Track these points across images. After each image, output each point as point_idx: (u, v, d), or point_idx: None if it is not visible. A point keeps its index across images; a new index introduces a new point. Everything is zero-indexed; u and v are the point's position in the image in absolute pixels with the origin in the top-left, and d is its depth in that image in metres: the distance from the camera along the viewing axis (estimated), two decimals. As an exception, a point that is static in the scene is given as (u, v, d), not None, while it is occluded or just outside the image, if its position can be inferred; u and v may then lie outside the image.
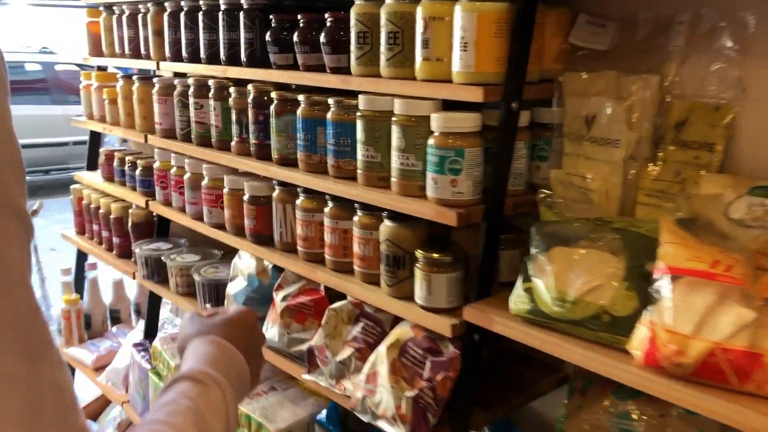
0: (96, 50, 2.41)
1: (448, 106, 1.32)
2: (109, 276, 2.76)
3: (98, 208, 2.45)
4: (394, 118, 1.34)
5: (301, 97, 1.56)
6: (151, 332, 2.37)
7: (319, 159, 1.56)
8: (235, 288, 1.78)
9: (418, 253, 1.32)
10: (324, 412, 1.64)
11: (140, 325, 2.56)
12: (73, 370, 2.78)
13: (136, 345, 2.28)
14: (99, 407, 2.79)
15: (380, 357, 1.37)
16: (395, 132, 1.34)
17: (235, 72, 1.75)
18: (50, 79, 8.68)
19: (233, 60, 1.76)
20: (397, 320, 1.45)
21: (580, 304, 1.10)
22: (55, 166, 8.61)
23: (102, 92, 2.35)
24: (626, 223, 1.14)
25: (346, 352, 1.46)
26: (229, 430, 0.76)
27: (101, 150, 2.49)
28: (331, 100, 1.49)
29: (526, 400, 1.48)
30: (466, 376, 1.30)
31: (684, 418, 1.24)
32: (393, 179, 1.37)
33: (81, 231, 2.66)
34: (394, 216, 1.37)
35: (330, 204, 1.53)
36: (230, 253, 2.05)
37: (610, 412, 1.31)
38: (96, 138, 2.69)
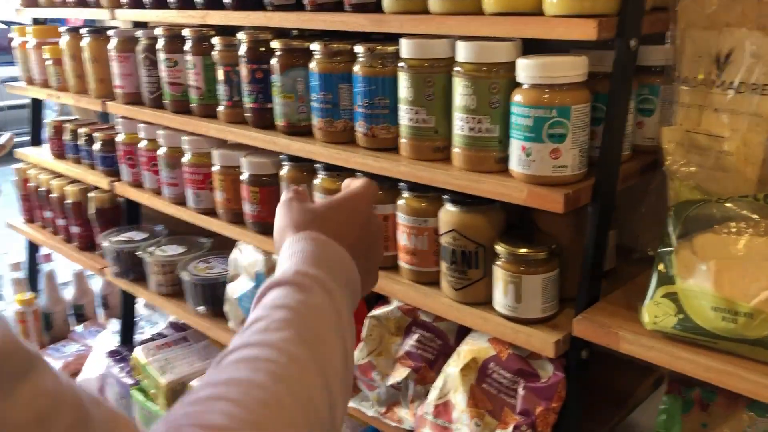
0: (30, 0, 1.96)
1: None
2: (68, 267, 2.37)
3: (49, 191, 2.04)
4: (457, 68, 1.00)
5: (314, 47, 1.19)
6: (127, 337, 2.00)
7: (344, 126, 1.21)
8: (239, 289, 1.43)
9: (500, 248, 1.00)
10: (364, 438, 1.33)
11: (111, 324, 2.19)
12: (35, 379, 2.40)
13: (111, 354, 1.92)
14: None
15: (452, 382, 1.06)
16: (460, 87, 1.00)
17: (218, 17, 1.37)
18: (-25, 39, 7.91)
19: (214, 2, 1.37)
20: (463, 329, 1.13)
21: (759, 316, 0.80)
22: (-12, 134, 7.94)
23: (42, 51, 1.92)
24: (814, 201, 0.84)
25: (400, 374, 1.14)
26: (345, 344, 0.56)
27: (47, 121, 2.06)
28: (359, 48, 1.13)
29: (625, 414, 1.19)
30: (573, 405, 0.99)
31: None
32: (456, 150, 1.03)
33: (30, 219, 2.24)
34: (460, 199, 1.04)
35: (363, 183, 1.19)
36: (217, 238, 1.69)
37: (747, 430, 1.03)
38: (38, 106, 2.25)
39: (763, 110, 0.94)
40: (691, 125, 1.01)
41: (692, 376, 0.84)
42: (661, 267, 0.90)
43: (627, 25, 0.89)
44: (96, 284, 2.40)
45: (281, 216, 0.69)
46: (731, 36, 0.96)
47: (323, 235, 0.64)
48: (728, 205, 0.87)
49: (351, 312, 0.62)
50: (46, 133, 2.07)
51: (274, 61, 1.27)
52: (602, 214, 0.94)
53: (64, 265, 2.42)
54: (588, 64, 0.93)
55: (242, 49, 1.33)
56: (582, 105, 0.91)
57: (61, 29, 1.85)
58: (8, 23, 7.95)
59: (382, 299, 1.24)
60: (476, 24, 0.97)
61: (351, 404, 1.21)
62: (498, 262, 1.01)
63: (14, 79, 2.19)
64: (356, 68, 1.14)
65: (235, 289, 1.44)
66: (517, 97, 0.93)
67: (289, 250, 0.62)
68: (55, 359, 2.19)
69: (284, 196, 0.71)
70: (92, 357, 2.08)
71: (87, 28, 1.74)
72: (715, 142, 0.98)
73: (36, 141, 2.25)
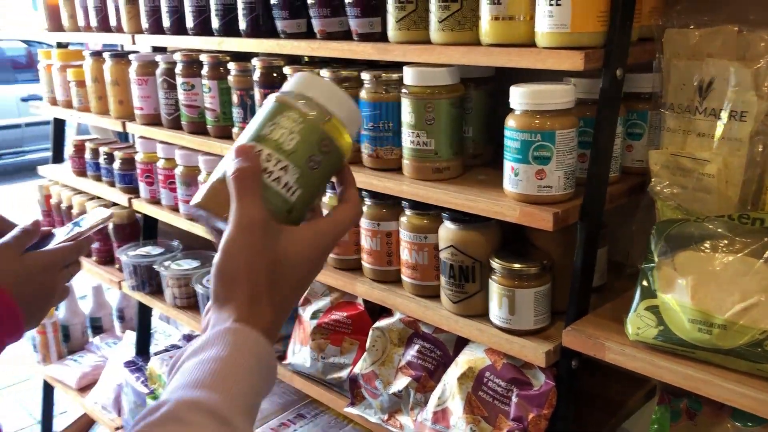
0: (55, 24, 2.06)
1: (506, 75, 1.07)
2: (87, 281, 2.45)
3: (70, 207, 2.13)
4: (403, 90, 1.11)
5: (324, 73, 1.27)
6: (143, 348, 2.08)
7: (350, 147, 1.28)
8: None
9: (495, 263, 1.06)
10: (368, 445, 1.39)
11: (128, 336, 2.27)
12: (52, 390, 2.48)
13: (128, 364, 1.99)
14: (85, 425, 2.51)
15: (450, 390, 1.12)
16: (404, 105, 1.10)
17: (234, 44, 1.45)
18: (-4, 59, 8.11)
19: (230, 29, 1.46)
20: (461, 340, 1.19)
21: (732, 328, 0.86)
22: (7, 150, 8.09)
23: (66, 73, 2.02)
24: (785, 221, 0.90)
25: (401, 382, 1.21)
26: None
27: (71, 140, 2.15)
28: (365, 75, 1.20)
29: (617, 422, 1.24)
30: (563, 411, 1.05)
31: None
32: (405, 161, 1.15)
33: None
34: (458, 217, 1.11)
35: (368, 202, 1.26)
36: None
37: (732, 440, 1.08)
38: (60, 126, 2.35)
39: (742, 135, 1.00)
40: (676, 149, 1.07)
41: (672, 384, 0.90)
42: (644, 282, 0.96)
43: (613, 56, 0.95)
44: (113, 298, 2.48)
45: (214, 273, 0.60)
46: (713, 66, 1.02)
47: (246, 327, 0.56)
48: (706, 224, 0.94)
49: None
50: (68, 151, 2.16)
51: (285, 86, 1.35)
52: (590, 232, 1.01)
53: (82, 279, 2.51)
54: (575, 92, 1.00)
55: (256, 75, 1.41)
56: (567, 130, 0.98)
57: (85, 52, 1.94)
58: (28, 42, 8.14)
59: (386, 312, 1.30)
60: (474, 54, 1.04)
61: (355, 411, 1.27)
62: (493, 277, 1.07)
63: (34, 96, 2.27)
64: (363, 94, 1.21)
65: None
66: (510, 122, 1.00)
67: (200, 354, 0.54)
68: (73, 369, 2.27)
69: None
70: (109, 367, 2.16)
71: (109, 52, 1.83)
72: (698, 165, 1.04)
73: (58, 158, 2.35)
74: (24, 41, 8.30)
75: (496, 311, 1.07)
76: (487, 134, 1.25)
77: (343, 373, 1.31)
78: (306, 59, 1.47)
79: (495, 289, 1.07)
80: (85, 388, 2.22)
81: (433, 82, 1.11)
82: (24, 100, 7.48)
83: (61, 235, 0.96)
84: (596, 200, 1.01)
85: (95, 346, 2.40)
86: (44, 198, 2.29)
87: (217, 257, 0.60)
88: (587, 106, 1.06)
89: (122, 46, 2.08)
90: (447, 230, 1.12)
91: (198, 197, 0.64)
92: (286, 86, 0.66)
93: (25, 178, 7.28)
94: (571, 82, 1.05)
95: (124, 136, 2.25)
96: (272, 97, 0.65)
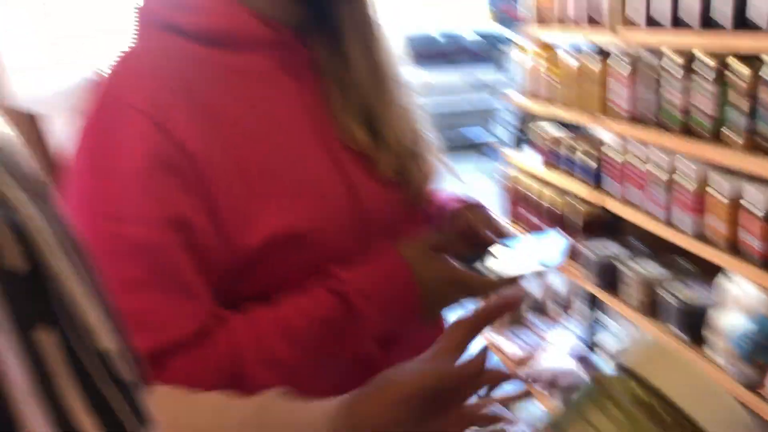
0: (541, 19, 2.17)
1: None
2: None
3: (539, 201, 2.23)
4: None
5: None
6: (587, 340, 2.11)
7: None
8: (729, 322, 1.40)
9: None
10: None
11: (571, 324, 2.33)
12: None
13: (580, 359, 2.04)
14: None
15: None
16: None
17: (747, 43, 1.32)
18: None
19: (741, 23, 1.34)
20: None
21: None
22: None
23: (542, 66, 2.11)
24: None
25: None
26: None
27: (541, 132, 2.26)
28: None
29: None
30: None
31: None
32: None
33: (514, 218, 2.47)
34: None
35: None
36: (696, 261, 1.64)
37: None
38: (526, 116, 2.49)
39: None
40: None
41: None
42: None
43: None
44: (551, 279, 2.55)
45: None
46: None
47: None
48: None
49: None
50: (538, 142, 2.26)
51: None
52: None
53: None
54: None
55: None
56: None
57: (560, 49, 2.00)
58: (482, 34, 8.63)
59: None
60: None
61: None
62: None
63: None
64: None
65: (725, 320, 1.41)
66: None
67: None
68: (515, 344, 2.42)
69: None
70: (551, 351, 2.24)
71: (590, 50, 1.84)
72: None
73: (518, 145, 2.50)
74: (480, 34, 8.87)
75: None
76: None
77: None
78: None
79: None
80: (520, 362, 2.35)
81: None
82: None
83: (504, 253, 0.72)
84: None
85: (533, 324, 2.51)
86: (511, 186, 2.45)
87: None
88: None
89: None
90: None
91: None
92: (624, 357, 0.40)
93: (467, 156, 7.86)
94: None
95: (573, 129, 2.27)
96: (603, 375, 0.40)
